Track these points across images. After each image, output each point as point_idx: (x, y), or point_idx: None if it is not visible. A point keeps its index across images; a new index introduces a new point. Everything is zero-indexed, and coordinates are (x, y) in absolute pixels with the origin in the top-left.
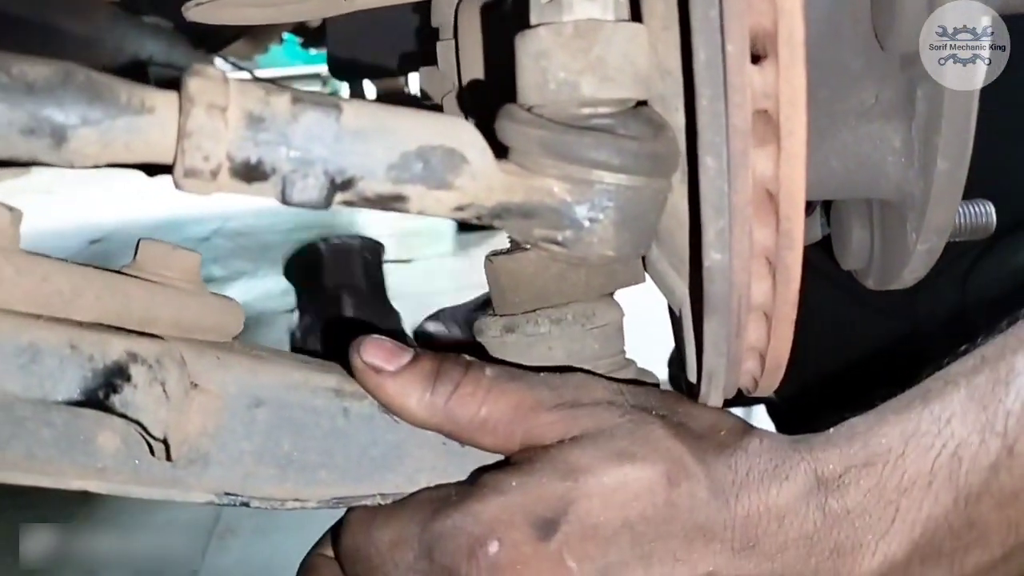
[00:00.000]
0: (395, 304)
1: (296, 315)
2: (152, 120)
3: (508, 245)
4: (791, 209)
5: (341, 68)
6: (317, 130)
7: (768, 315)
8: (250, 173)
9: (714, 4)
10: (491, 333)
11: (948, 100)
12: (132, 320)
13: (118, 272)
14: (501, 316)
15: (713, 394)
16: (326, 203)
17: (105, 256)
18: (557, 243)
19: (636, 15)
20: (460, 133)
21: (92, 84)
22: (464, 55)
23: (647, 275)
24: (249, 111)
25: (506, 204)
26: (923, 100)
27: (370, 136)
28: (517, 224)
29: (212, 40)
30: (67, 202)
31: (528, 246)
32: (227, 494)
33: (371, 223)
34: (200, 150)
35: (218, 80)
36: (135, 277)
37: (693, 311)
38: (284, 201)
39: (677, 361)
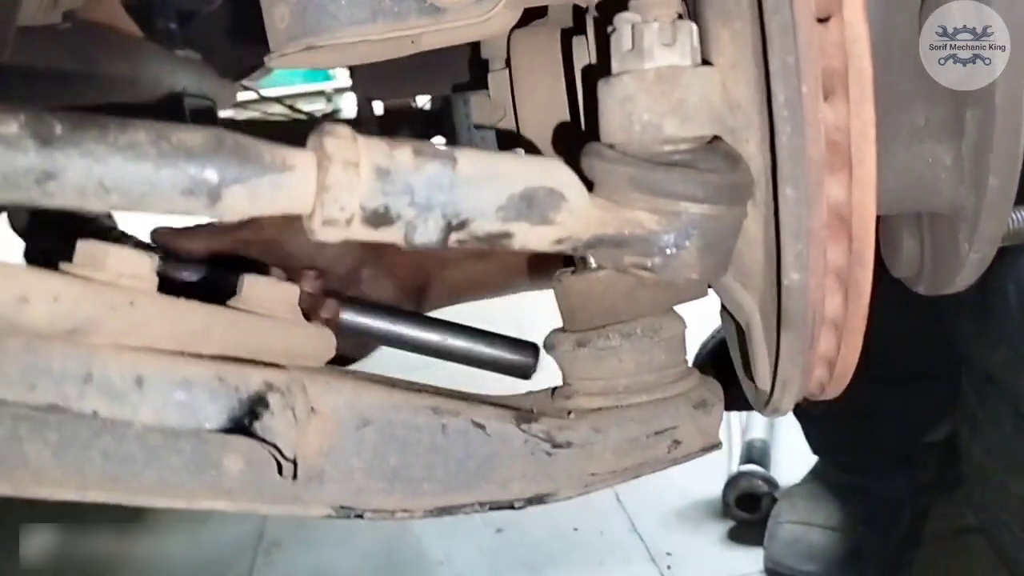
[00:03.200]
0: None
1: None
2: (293, 176)
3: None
4: (863, 231)
5: (364, 86)
6: (437, 179)
7: (838, 327)
8: (378, 220)
9: (791, 51)
10: (563, 348)
11: (999, 121)
12: (248, 351)
13: (231, 308)
14: (572, 332)
15: (786, 399)
16: (443, 243)
17: None
18: (646, 269)
19: (705, 54)
20: (558, 174)
21: (240, 147)
22: (519, 85)
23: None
24: (377, 165)
25: (600, 236)
26: (972, 121)
27: (481, 182)
28: (609, 253)
29: (235, 71)
30: None
31: (597, 267)
32: (342, 507)
33: None
34: (337, 202)
35: (349, 138)
36: (251, 312)
37: (765, 324)
38: (407, 244)
39: (708, 355)
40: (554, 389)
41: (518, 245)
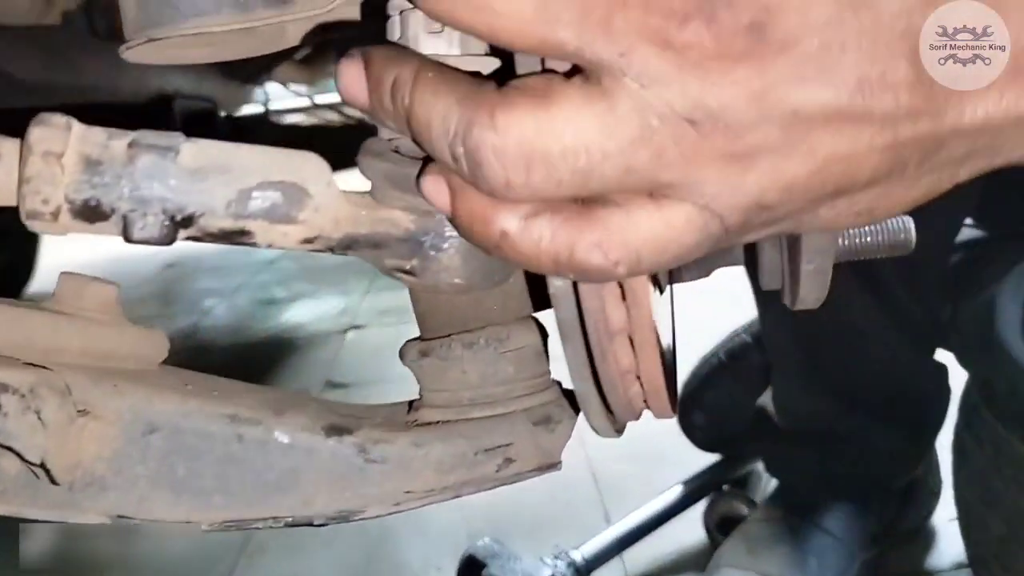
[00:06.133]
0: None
1: None
2: (1, 166)
3: None
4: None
5: None
6: (153, 171)
7: (632, 339)
8: (90, 214)
9: None
10: (410, 358)
11: None
12: (35, 351)
13: (34, 305)
14: (422, 340)
15: (593, 419)
16: (168, 239)
17: (176, 279)
18: (407, 272)
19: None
20: (305, 167)
21: None
22: None
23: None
24: (87, 156)
25: (353, 236)
26: None
27: (208, 175)
28: (369, 254)
29: (243, 70)
30: None
31: None
32: (120, 516)
33: None
34: (39, 194)
35: (59, 128)
36: (50, 311)
37: None
38: (127, 239)
39: (728, 354)
40: (411, 402)
41: (263, 243)
